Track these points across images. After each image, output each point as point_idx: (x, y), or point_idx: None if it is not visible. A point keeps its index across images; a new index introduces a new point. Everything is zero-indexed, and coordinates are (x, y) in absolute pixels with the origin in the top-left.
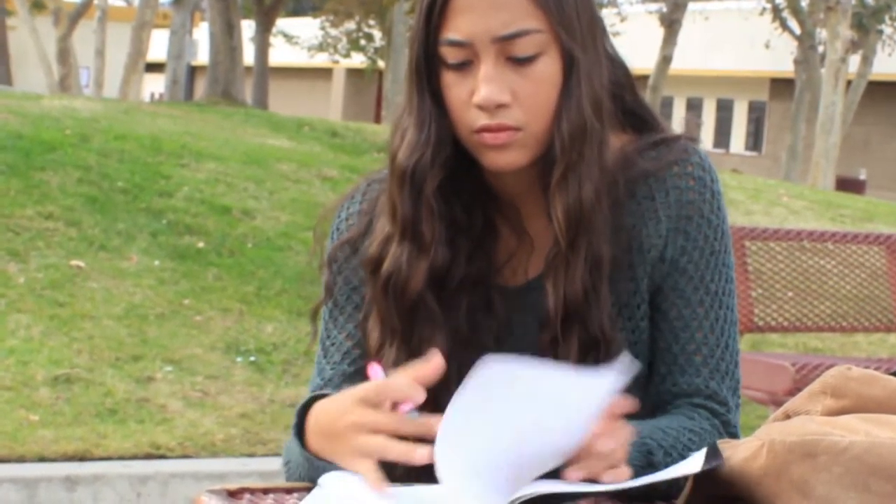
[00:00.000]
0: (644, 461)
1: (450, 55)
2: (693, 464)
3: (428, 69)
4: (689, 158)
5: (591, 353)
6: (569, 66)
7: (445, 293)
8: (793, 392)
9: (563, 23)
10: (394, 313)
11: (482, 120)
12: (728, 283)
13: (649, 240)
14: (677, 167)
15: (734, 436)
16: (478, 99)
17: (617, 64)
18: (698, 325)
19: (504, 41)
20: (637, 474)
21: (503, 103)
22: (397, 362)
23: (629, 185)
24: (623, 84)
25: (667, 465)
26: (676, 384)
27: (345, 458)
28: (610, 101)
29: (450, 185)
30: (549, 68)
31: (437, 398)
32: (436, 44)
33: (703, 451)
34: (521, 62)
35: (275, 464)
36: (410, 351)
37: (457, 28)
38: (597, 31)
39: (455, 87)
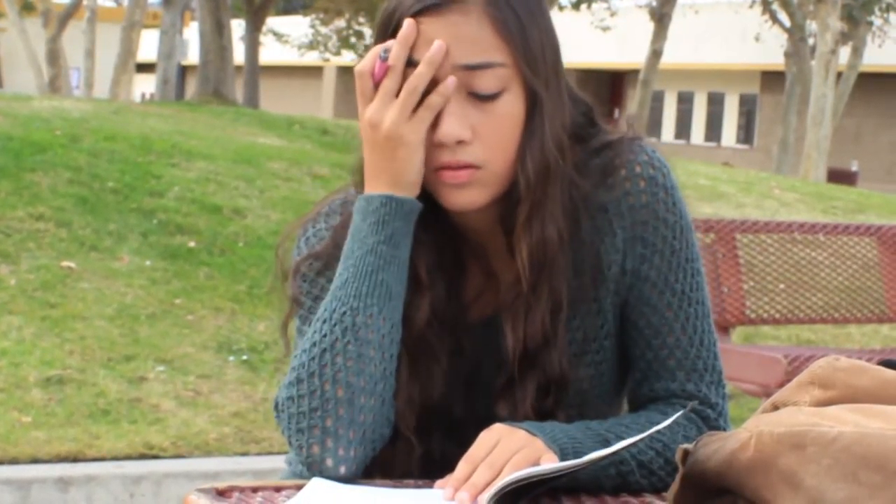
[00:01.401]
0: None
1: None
2: (666, 422)
3: None
4: (635, 159)
5: (549, 396)
6: (532, 104)
7: (435, 332)
8: (785, 384)
9: (527, 59)
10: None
11: (443, 157)
12: (694, 277)
13: (608, 256)
14: (625, 170)
15: (717, 429)
16: (438, 134)
17: (577, 101)
18: (669, 330)
19: (467, 71)
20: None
21: (464, 140)
22: (410, 392)
23: (580, 199)
24: (584, 125)
25: (633, 457)
26: (653, 389)
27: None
28: (570, 140)
29: (420, 224)
30: (512, 106)
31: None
32: None
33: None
34: (483, 99)
35: (268, 462)
36: (419, 380)
37: (419, 53)
38: (560, 69)
39: None
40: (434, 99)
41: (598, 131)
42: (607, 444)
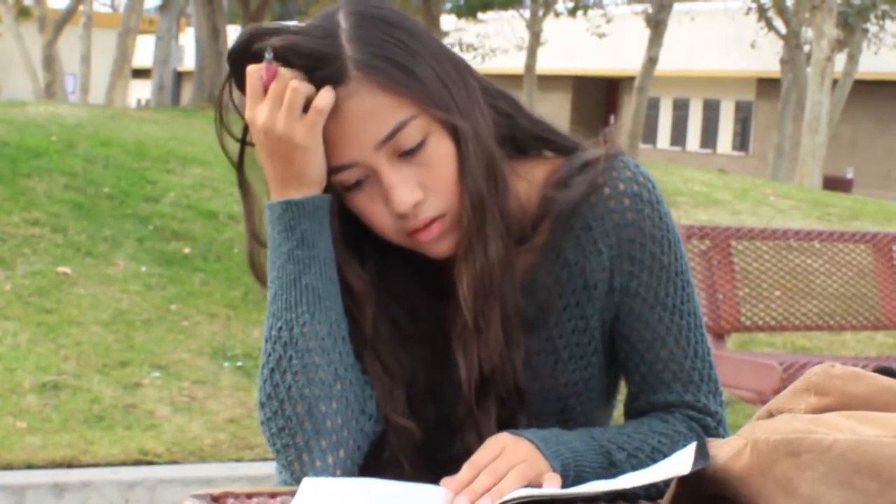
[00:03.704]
0: (605, 462)
1: (346, 178)
2: (682, 465)
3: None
4: (618, 176)
5: (507, 406)
6: (456, 136)
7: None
8: (780, 391)
9: (431, 99)
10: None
11: (409, 223)
12: (684, 289)
13: (594, 275)
14: (608, 189)
15: (720, 437)
16: (395, 209)
17: (496, 95)
18: (662, 343)
19: (386, 143)
20: (598, 476)
21: (418, 200)
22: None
23: (563, 218)
24: (511, 114)
25: (633, 468)
26: (650, 402)
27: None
28: (500, 145)
29: (397, 277)
30: (440, 146)
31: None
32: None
33: (692, 451)
34: (413, 153)
35: (263, 468)
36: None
37: (339, 155)
38: (466, 78)
39: (367, 204)
40: (320, 101)
41: (573, 143)
42: (609, 455)
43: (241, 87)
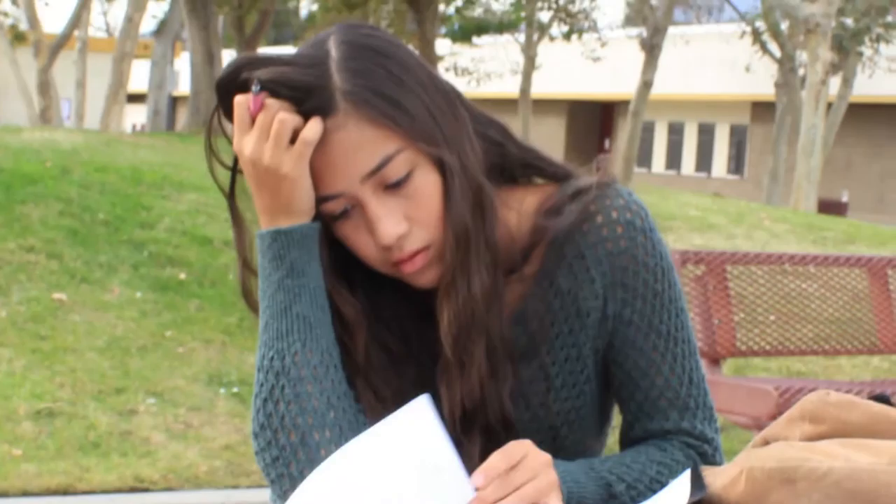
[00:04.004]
0: (605, 494)
1: (333, 208)
2: (678, 496)
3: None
4: (611, 204)
5: (494, 438)
6: (442, 169)
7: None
8: (776, 416)
9: (419, 132)
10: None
11: (393, 255)
12: (678, 317)
13: (587, 303)
14: (601, 216)
15: (714, 465)
16: (379, 242)
17: (486, 124)
18: (657, 371)
19: (372, 176)
20: None
21: (402, 234)
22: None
23: (555, 246)
24: (501, 142)
25: (632, 499)
26: (647, 430)
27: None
28: (489, 174)
29: (387, 302)
30: (427, 179)
31: None
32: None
33: (687, 481)
34: (398, 185)
35: (259, 495)
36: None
37: (325, 186)
38: (456, 108)
39: (353, 234)
40: (307, 133)
41: (564, 171)
42: (609, 487)
43: (230, 116)
